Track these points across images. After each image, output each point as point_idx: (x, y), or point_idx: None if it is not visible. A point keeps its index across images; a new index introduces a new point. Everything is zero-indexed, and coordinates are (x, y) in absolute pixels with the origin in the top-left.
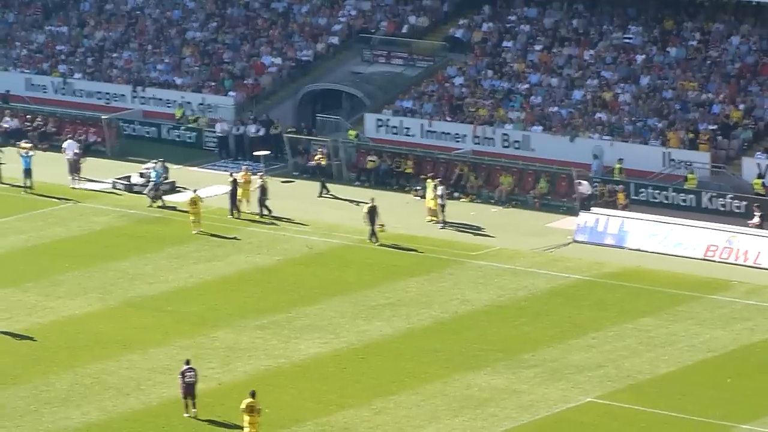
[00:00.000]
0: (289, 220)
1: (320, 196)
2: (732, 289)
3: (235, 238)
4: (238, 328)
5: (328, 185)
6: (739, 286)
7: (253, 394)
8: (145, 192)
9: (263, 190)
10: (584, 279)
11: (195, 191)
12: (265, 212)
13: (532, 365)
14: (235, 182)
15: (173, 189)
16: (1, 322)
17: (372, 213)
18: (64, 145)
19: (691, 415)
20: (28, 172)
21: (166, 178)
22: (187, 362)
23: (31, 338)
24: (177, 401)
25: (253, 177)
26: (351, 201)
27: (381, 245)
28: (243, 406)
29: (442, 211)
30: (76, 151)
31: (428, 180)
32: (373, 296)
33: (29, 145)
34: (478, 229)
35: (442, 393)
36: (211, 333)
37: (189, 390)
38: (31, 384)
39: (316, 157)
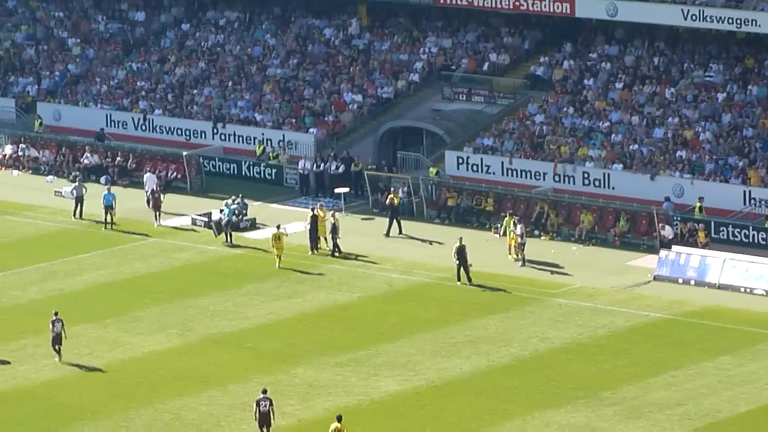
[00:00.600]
0: (359, 257)
1: (387, 235)
2: None
3: (320, 274)
4: (318, 365)
5: (403, 223)
6: None
7: (339, 419)
8: (212, 226)
9: (334, 227)
10: (664, 317)
11: (279, 226)
12: (335, 250)
13: (612, 403)
14: (315, 218)
15: (254, 225)
16: (81, 358)
17: (462, 252)
18: (145, 177)
19: None
20: (108, 209)
21: (241, 215)
22: (264, 391)
23: (111, 374)
24: None
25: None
26: (425, 240)
27: (463, 284)
28: (330, 430)
29: (522, 249)
30: (154, 188)
31: (507, 217)
32: (452, 333)
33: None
34: (558, 267)
35: (521, 431)
36: (291, 369)
37: (264, 419)
38: (111, 420)
39: (389, 196)
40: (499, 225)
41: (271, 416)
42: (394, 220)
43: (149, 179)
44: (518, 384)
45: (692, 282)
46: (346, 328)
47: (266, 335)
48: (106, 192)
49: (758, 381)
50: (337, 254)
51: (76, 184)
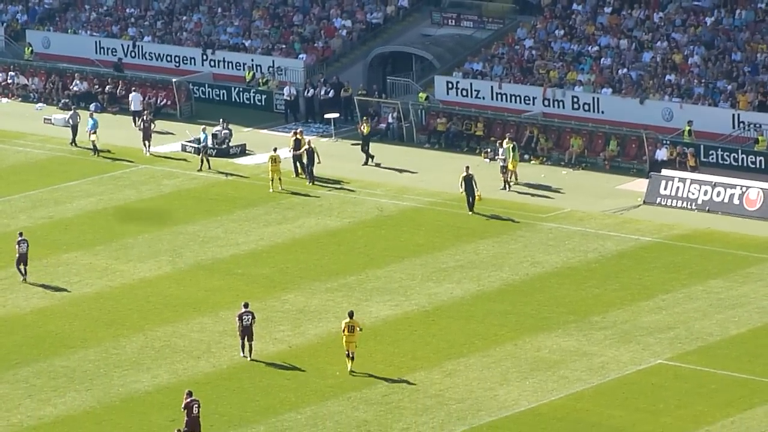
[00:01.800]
0: (347, 183)
1: (365, 164)
2: None
3: (317, 196)
4: (309, 291)
5: (394, 148)
6: None
7: (351, 314)
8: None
9: (310, 154)
10: (654, 241)
11: (275, 149)
12: (310, 178)
13: (603, 327)
14: (297, 141)
15: (243, 151)
16: (71, 286)
17: (469, 181)
18: (130, 97)
19: (761, 376)
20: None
21: (226, 140)
22: (246, 305)
23: (101, 301)
24: (249, 364)
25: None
26: (398, 170)
27: (475, 213)
28: (342, 326)
29: (504, 172)
30: (144, 117)
31: (507, 142)
32: (443, 258)
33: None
34: (548, 191)
35: (512, 355)
36: (282, 296)
37: (246, 332)
38: (102, 347)
39: (361, 126)
40: (489, 149)
41: (253, 330)
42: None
43: (134, 98)
44: (509, 309)
45: (682, 205)
46: (336, 253)
47: (257, 261)
48: (89, 118)
49: (748, 304)
50: (312, 183)
51: (72, 112)
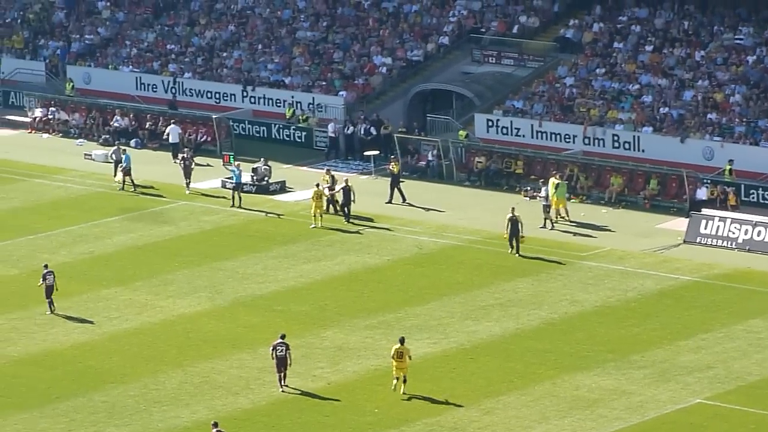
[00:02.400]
0: (364, 220)
1: (389, 203)
2: None
3: (357, 233)
4: (348, 328)
5: (434, 185)
6: None
7: (402, 341)
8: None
9: (347, 192)
10: (694, 280)
11: (318, 185)
12: (347, 216)
13: (642, 366)
14: (332, 179)
15: (283, 188)
16: (111, 321)
17: (515, 224)
18: (168, 129)
19: None
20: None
21: (265, 177)
22: (282, 336)
23: (140, 337)
24: (287, 401)
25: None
26: (428, 209)
27: (521, 256)
28: (392, 352)
29: (548, 211)
30: (186, 154)
31: (552, 179)
32: (482, 296)
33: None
34: (588, 230)
35: (551, 394)
36: (321, 333)
37: (281, 363)
38: (141, 383)
39: (390, 164)
40: (528, 187)
41: (288, 360)
42: (396, 189)
43: (172, 131)
44: (548, 347)
45: (722, 245)
46: (375, 290)
47: (296, 298)
48: (122, 154)
49: None
50: (348, 221)
51: (115, 147)
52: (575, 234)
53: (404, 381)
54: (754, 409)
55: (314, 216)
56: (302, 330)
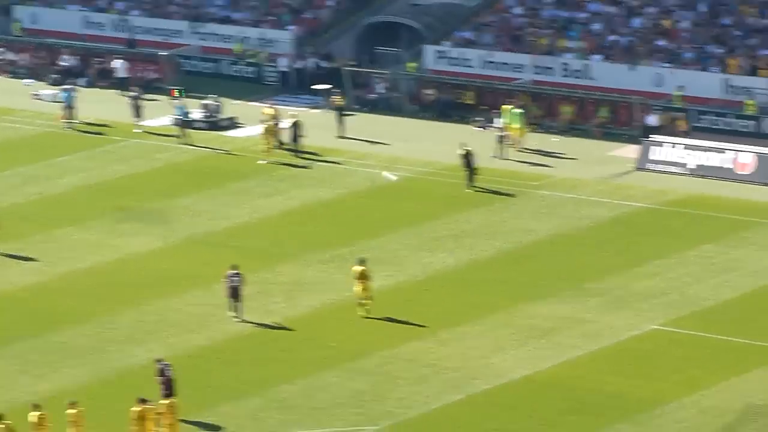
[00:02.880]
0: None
1: (340, 137)
2: None
3: (309, 167)
4: (302, 263)
5: (384, 117)
6: None
7: (362, 261)
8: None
9: (295, 126)
10: (647, 207)
11: (268, 122)
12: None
13: (597, 294)
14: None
15: (233, 125)
16: (64, 261)
17: (468, 158)
18: (114, 64)
19: (755, 340)
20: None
21: (217, 114)
22: (234, 267)
23: (94, 277)
24: (243, 336)
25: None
26: (369, 141)
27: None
28: (355, 274)
29: (501, 141)
30: (135, 93)
31: (507, 107)
32: (436, 228)
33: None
34: (540, 158)
35: (506, 323)
36: (276, 268)
37: (233, 293)
38: (96, 322)
39: (334, 99)
40: (479, 118)
41: (240, 292)
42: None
43: (120, 66)
44: (502, 277)
45: (674, 171)
46: (329, 224)
47: (250, 234)
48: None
49: (742, 268)
50: (299, 155)
51: (65, 87)
52: (528, 163)
53: (370, 299)
54: (709, 334)
55: (263, 152)
56: (257, 265)
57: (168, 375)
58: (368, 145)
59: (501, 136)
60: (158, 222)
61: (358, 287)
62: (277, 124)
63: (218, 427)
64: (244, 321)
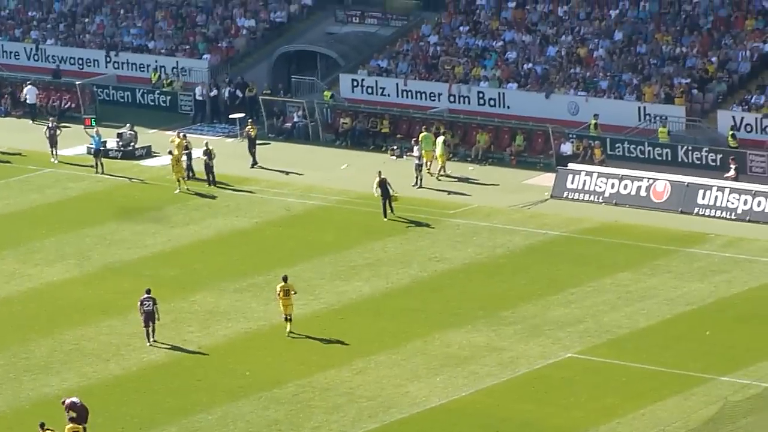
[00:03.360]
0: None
1: (253, 166)
2: (709, 241)
3: (223, 196)
4: (218, 292)
5: (300, 146)
6: (716, 239)
7: (285, 279)
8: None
9: (208, 154)
10: (562, 235)
11: (171, 152)
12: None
13: (512, 322)
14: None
15: (149, 153)
16: None
17: (383, 185)
18: (24, 90)
19: (670, 368)
20: None
21: (132, 143)
22: (148, 291)
23: (9, 306)
24: (158, 365)
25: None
26: (284, 172)
27: (390, 219)
28: (278, 290)
29: (420, 170)
30: (51, 123)
31: (425, 134)
32: (351, 256)
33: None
34: (455, 187)
35: (422, 352)
36: (190, 297)
37: (149, 317)
38: (10, 351)
39: (247, 128)
40: (395, 147)
41: (156, 315)
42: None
43: (29, 91)
44: (418, 305)
45: (589, 199)
46: (244, 253)
47: (165, 263)
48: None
49: (657, 296)
50: (213, 185)
51: None
52: (444, 191)
53: (290, 320)
54: (625, 362)
55: (177, 181)
56: (172, 294)
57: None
58: (283, 174)
59: (419, 165)
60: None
61: (281, 303)
62: (188, 153)
63: None
64: (157, 345)
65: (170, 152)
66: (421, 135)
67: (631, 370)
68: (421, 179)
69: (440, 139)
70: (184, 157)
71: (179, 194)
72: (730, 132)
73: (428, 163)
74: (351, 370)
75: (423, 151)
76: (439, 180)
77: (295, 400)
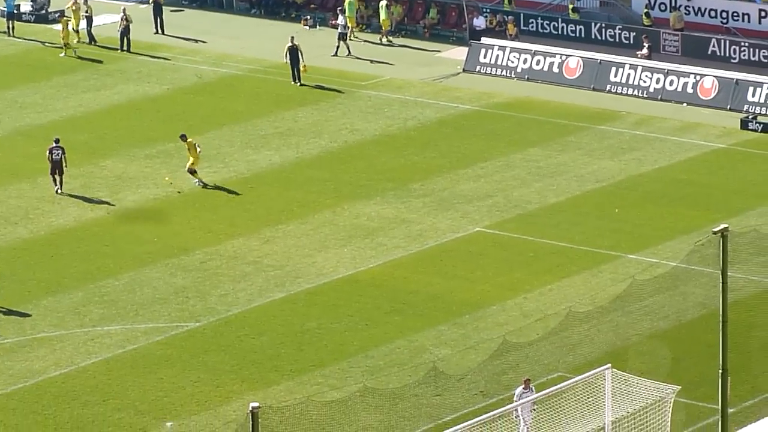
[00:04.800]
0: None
1: (156, 33)
2: (621, 119)
3: (136, 62)
4: (128, 158)
5: (215, 14)
6: (628, 117)
7: (183, 138)
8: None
9: (89, 19)
10: (473, 109)
11: (63, 13)
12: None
13: (422, 195)
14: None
15: (62, 16)
16: None
17: (294, 53)
18: None
19: (579, 245)
20: None
21: (44, 6)
22: (56, 140)
23: None
24: (66, 230)
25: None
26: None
27: (295, 85)
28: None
29: (342, 39)
30: None
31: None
32: (262, 125)
33: None
34: (368, 58)
35: (331, 222)
36: (101, 162)
37: (56, 166)
38: None
39: None
40: (308, 17)
41: (63, 164)
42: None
43: None
44: (328, 176)
45: (501, 74)
46: (155, 120)
47: (75, 127)
48: None
49: (567, 173)
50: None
51: None
52: (354, 63)
53: (195, 172)
54: (533, 238)
55: (65, 45)
56: (81, 159)
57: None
58: (196, 42)
59: (343, 33)
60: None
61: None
62: (88, 18)
63: (39, 320)
64: (63, 194)
65: (65, 15)
66: (347, 1)
67: (540, 245)
68: (347, 48)
69: (383, 2)
70: (84, 23)
71: (94, 61)
72: (645, 10)
73: (352, 30)
74: (259, 239)
75: (347, 19)
76: (385, 44)
77: (202, 268)
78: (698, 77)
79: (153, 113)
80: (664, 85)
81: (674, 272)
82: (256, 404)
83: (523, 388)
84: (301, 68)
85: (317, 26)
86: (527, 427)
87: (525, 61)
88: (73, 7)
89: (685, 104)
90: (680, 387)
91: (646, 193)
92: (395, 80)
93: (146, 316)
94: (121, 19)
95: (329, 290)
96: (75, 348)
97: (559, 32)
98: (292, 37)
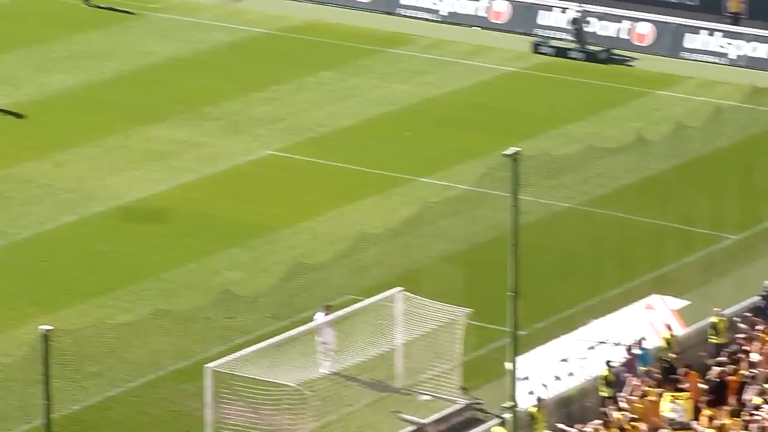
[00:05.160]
0: None
1: None
2: (413, 42)
3: None
4: None
5: None
6: (420, 40)
7: None
8: None
9: None
10: (265, 32)
11: None
12: None
13: (213, 118)
14: None
15: None
16: None
17: None
18: None
19: (371, 168)
20: None
21: None
22: None
23: None
24: None
25: None
26: None
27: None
28: None
29: None
30: None
31: None
32: (54, 48)
33: None
34: None
35: (123, 145)
36: None
37: None
38: None
39: None
40: None
41: None
42: None
43: None
44: (120, 99)
45: None
46: None
47: None
48: None
49: (359, 96)
50: None
51: None
52: None
53: None
54: (325, 161)
55: None
56: None
57: None
58: None
59: None
60: None
61: None
62: None
63: None
64: None
65: None
66: None
67: (332, 168)
68: None
69: None
70: None
71: None
72: None
73: None
74: (51, 162)
75: None
76: None
77: None
78: (490, 1)
79: None
80: (455, 8)
81: (466, 195)
82: (48, 327)
83: (325, 315)
84: None
85: None
86: (329, 349)
87: None
88: None
89: (477, 28)
90: (472, 310)
91: (439, 117)
92: (187, 3)
93: None
94: None
95: (121, 213)
96: None
97: None
98: None
